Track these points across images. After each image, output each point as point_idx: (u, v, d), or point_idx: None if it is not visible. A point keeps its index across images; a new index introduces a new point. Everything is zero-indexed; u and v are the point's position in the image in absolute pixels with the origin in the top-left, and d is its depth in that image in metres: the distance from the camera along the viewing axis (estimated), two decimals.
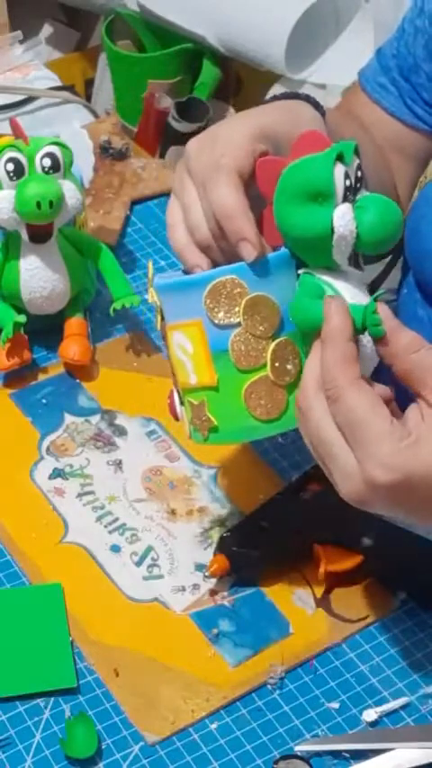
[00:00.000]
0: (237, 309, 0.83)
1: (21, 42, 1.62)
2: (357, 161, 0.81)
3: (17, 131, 1.09)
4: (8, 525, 1.01)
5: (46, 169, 1.08)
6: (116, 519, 1.02)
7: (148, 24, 2.01)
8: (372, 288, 1.24)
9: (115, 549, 1.00)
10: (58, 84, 1.57)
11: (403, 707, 0.91)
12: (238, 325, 0.83)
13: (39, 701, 0.90)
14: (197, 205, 0.87)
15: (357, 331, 0.80)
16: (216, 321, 0.84)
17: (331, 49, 1.93)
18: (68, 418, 1.09)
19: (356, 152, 0.81)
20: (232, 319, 0.83)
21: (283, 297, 0.83)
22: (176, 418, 0.91)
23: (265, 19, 1.86)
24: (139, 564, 0.99)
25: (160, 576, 0.98)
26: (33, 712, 0.90)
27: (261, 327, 0.83)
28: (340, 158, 0.80)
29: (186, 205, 0.88)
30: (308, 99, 0.94)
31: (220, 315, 0.83)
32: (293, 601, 0.97)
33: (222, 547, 0.97)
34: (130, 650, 0.93)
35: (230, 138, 0.87)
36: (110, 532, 1.01)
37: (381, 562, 0.97)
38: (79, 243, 1.14)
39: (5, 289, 1.12)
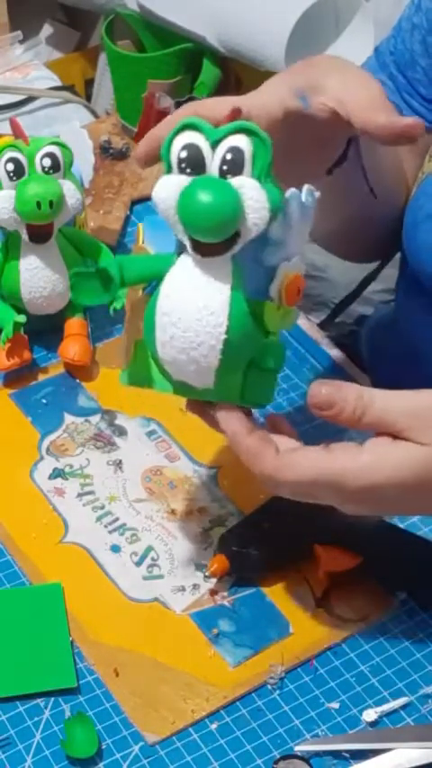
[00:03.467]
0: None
1: (21, 42, 1.62)
2: (236, 143, 0.76)
3: (17, 131, 1.09)
4: (8, 525, 1.01)
5: (46, 169, 1.08)
6: (116, 519, 1.02)
7: (148, 24, 2.01)
8: (363, 284, 1.24)
9: (115, 549, 1.00)
10: (58, 84, 1.57)
11: (403, 707, 0.91)
12: None
13: (39, 700, 0.90)
14: None
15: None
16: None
17: (331, 49, 1.93)
18: (68, 418, 1.09)
19: (245, 132, 0.76)
20: None
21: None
22: None
23: (265, 19, 1.85)
24: (139, 564, 0.99)
25: (160, 576, 0.98)
26: (33, 712, 0.90)
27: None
28: (195, 129, 0.76)
29: None
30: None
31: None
32: (293, 601, 0.97)
33: (222, 547, 0.98)
34: (130, 650, 0.93)
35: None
36: (110, 532, 1.01)
37: (381, 562, 0.97)
38: (79, 243, 1.14)
39: (5, 289, 1.12)
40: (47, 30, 2.25)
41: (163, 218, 0.78)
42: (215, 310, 0.78)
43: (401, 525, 1.00)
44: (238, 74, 2.08)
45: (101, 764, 0.87)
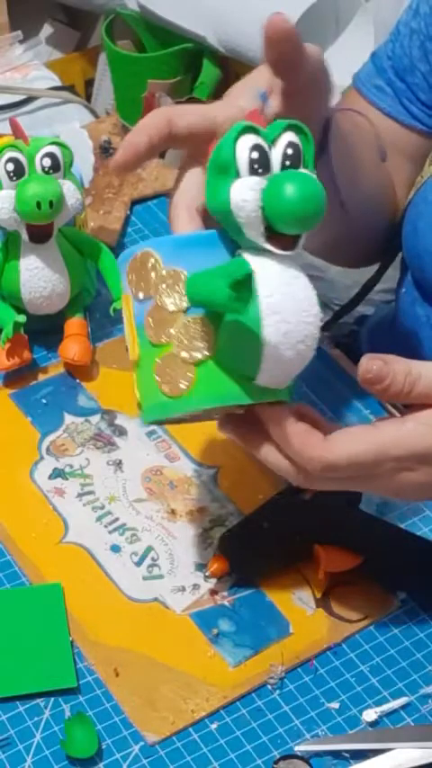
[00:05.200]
0: (149, 283, 0.81)
1: (21, 42, 1.62)
2: (291, 138, 0.78)
3: (17, 131, 1.09)
4: (8, 525, 1.01)
5: (46, 169, 1.07)
6: (116, 519, 1.02)
7: (148, 24, 2.01)
8: (366, 288, 1.24)
9: (115, 549, 1.00)
10: (58, 84, 1.57)
11: (403, 707, 0.91)
12: (152, 298, 0.81)
13: (39, 700, 0.90)
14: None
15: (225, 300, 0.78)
16: (135, 295, 0.82)
17: (331, 49, 1.93)
18: (68, 418, 1.09)
19: (294, 129, 0.78)
20: (146, 292, 0.82)
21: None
22: None
23: (265, 19, 1.86)
24: (139, 564, 0.99)
25: (160, 576, 0.98)
26: (33, 712, 0.90)
27: (172, 301, 0.81)
28: (253, 132, 0.77)
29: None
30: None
31: (135, 289, 0.82)
32: (293, 601, 0.97)
33: (222, 547, 0.98)
34: (130, 650, 0.93)
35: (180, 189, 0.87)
36: (110, 532, 1.01)
37: (381, 562, 0.97)
38: (79, 243, 1.14)
39: (5, 289, 1.12)
40: (47, 30, 2.25)
41: (235, 221, 0.78)
42: (311, 300, 0.79)
43: (401, 525, 1.00)
44: (238, 74, 2.08)
45: (101, 764, 0.88)
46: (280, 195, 0.76)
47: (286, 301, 0.78)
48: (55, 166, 1.08)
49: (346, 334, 1.31)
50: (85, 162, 1.33)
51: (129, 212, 1.31)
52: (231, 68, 2.05)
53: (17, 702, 0.90)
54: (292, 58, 0.84)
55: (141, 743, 0.89)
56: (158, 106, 1.85)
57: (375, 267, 1.22)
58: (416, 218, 1.08)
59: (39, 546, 1.00)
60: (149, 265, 0.82)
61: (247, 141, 0.77)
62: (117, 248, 1.25)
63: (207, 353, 0.81)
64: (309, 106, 0.88)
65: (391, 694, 0.92)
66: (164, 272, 0.81)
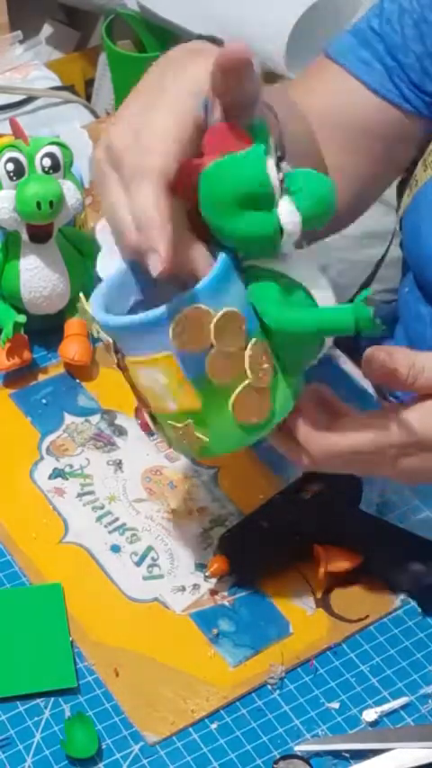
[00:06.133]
0: (206, 335, 0.79)
1: (21, 42, 1.62)
2: (271, 137, 0.77)
3: (17, 131, 1.09)
4: (8, 525, 1.01)
5: (46, 169, 1.08)
6: (116, 519, 1.02)
7: (148, 24, 2.01)
8: (363, 286, 1.24)
9: (115, 549, 1.00)
10: (58, 84, 1.57)
11: (403, 707, 0.91)
12: (211, 347, 0.80)
13: (39, 700, 0.90)
14: (124, 209, 0.79)
15: (351, 331, 0.79)
16: (188, 351, 0.80)
17: None
18: (68, 418, 1.09)
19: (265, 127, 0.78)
20: (205, 345, 0.80)
21: (240, 303, 0.80)
22: (148, 432, 0.89)
23: (265, 19, 1.85)
24: (139, 564, 0.99)
25: (160, 576, 0.98)
26: (33, 712, 0.90)
27: (232, 343, 0.80)
28: (266, 154, 0.76)
29: (112, 205, 0.80)
30: (214, 41, 0.87)
31: (191, 344, 0.79)
32: (293, 601, 0.97)
33: (222, 547, 0.98)
34: (130, 650, 0.93)
35: (155, 133, 0.78)
36: (110, 532, 1.01)
37: (381, 562, 0.97)
38: (79, 243, 1.14)
39: (5, 289, 1.12)
40: (47, 30, 2.25)
41: (276, 242, 0.78)
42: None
43: (401, 525, 1.00)
44: None
45: (101, 764, 0.87)
46: (313, 202, 0.77)
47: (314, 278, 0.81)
48: (55, 166, 1.08)
49: None
50: (85, 162, 1.33)
51: None
52: None
53: (17, 702, 0.90)
54: (243, 88, 0.79)
55: (141, 743, 0.89)
56: None
57: (375, 267, 1.22)
58: (417, 221, 1.08)
59: (39, 546, 1.00)
60: (203, 319, 0.79)
61: (271, 163, 0.75)
62: None
63: (272, 372, 0.83)
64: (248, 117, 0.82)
65: (391, 694, 0.92)
66: (220, 321, 0.79)
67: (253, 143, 0.76)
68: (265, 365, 0.82)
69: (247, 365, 0.81)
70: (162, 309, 0.78)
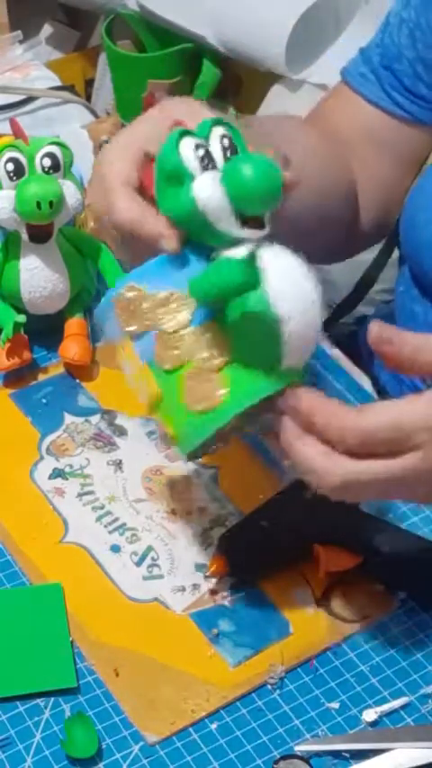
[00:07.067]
0: (143, 315, 0.82)
1: (21, 42, 1.61)
2: (221, 131, 0.81)
3: (17, 131, 1.09)
4: (8, 525, 1.01)
5: (46, 169, 1.08)
6: (116, 519, 1.02)
7: (148, 24, 2.01)
8: (367, 280, 1.24)
9: (115, 549, 1.00)
10: (58, 84, 1.57)
11: (403, 707, 0.91)
12: (152, 328, 0.82)
13: (39, 701, 0.90)
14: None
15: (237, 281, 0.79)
16: (132, 333, 0.83)
17: (331, 49, 1.93)
18: (68, 418, 1.09)
19: (219, 123, 0.81)
20: (143, 324, 0.82)
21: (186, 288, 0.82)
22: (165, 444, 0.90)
23: (265, 19, 1.86)
24: (139, 564, 0.99)
25: (160, 576, 0.98)
26: (33, 712, 0.90)
27: (173, 323, 0.82)
28: (188, 134, 0.80)
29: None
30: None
31: (130, 327, 0.82)
32: (293, 601, 0.97)
33: (222, 547, 0.98)
34: (130, 650, 0.93)
35: (110, 161, 0.88)
36: (110, 532, 1.01)
37: (381, 562, 0.97)
38: (79, 243, 1.14)
39: (5, 289, 1.12)
40: (47, 30, 2.25)
41: (204, 220, 0.79)
42: (304, 272, 0.80)
43: (401, 525, 1.00)
44: (238, 74, 2.08)
45: (101, 764, 0.87)
46: (242, 178, 0.78)
47: (286, 277, 0.79)
48: (55, 166, 1.08)
49: (346, 334, 1.31)
50: (85, 162, 1.32)
51: None
52: (231, 68, 2.05)
53: (17, 702, 0.90)
54: None
55: (141, 743, 0.89)
56: None
57: (370, 266, 1.23)
58: (414, 210, 1.09)
59: (39, 546, 1.00)
60: (137, 298, 0.82)
61: (189, 143, 0.80)
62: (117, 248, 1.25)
63: (226, 357, 0.82)
64: None
65: (391, 694, 0.92)
66: (154, 299, 0.82)
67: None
68: (215, 350, 0.82)
69: (189, 346, 0.82)
70: (110, 292, 0.84)
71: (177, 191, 0.80)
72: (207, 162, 0.80)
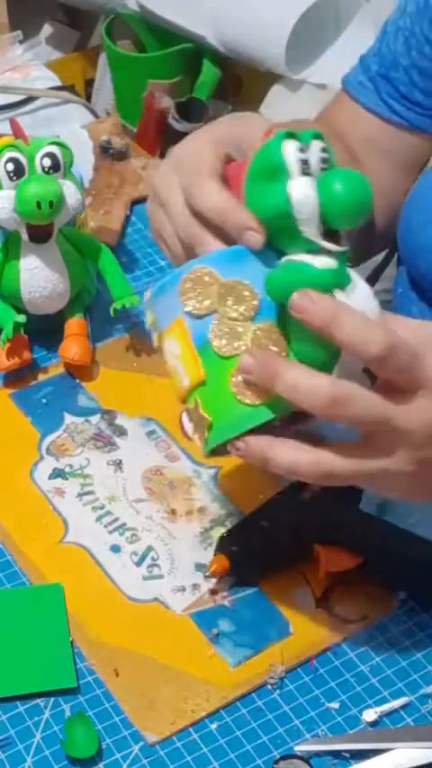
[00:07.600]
0: (210, 296, 0.83)
1: (21, 42, 1.61)
2: (321, 144, 0.82)
3: (17, 131, 1.09)
4: (8, 525, 1.01)
5: (46, 169, 1.08)
6: (116, 519, 1.02)
7: (148, 24, 2.02)
8: (371, 282, 1.24)
9: (115, 549, 1.00)
10: (58, 84, 1.57)
11: (403, 707, 0.91)
12: (215, 311, 0.83)
13: (39, 701, 0.90)
14: (170, 229, 0.90)
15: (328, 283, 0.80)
16: (192, 312, 0.83)
17: (331, 49, 1.93)
18: (68, 418, 1.09)
19: (319, 137, 0.82)
20: (208, 305, 0.83)
21: (260, 283, 0.83)
22: (187, 436, 0.90)
23: (265, 19, 1.86)
24: (139, 564, 0.99)
25: (160, 576, 0.98)
26: (33, 712, 0.90)
27: (237, 310, 0.83)
28: (292, 137, 0.81)
29: (166, 237, 0.92)
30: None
31: (195, 304, 0.83)
32: (293, 601, 0.97)
33: (222, 547, 0.98)
34: (130, 650, 0.93)
35: (196, 152, 0.89)
36: (110, 532, 1.01)
37: (381, 562, 0.97)
38: (79, 243, 1.14)
39: (5, 289, 1.12)
40: (47, 30, 2.25)
41: (292, 221, 0.80)
42: (365, 285, 0.82)
43: (401, 525, 1.00)
44: (238, 74, 2.08)
45: (101, 764, 0.88)
46: (338, 191, 0.79)
47: (365, 293, 0.81)
48: (55, 166, 1.08)
49: None
50: (85, 162, 1.33)
51: (129, 212, 1.31)
52: (231, 68, 2.05)
53: (17, 702, 0.90)
54: None
55: (141, 743, 0.89)
56: (158, 106, 1.86)
57: (374, 266, 1.23)
58: (411, 213, 1.09)
59: (39, 546, 1.00)
60: (207, 280, 0.83)
61: (292, 145, 0.80)
62: (117, 248, 1.25)
63: (284, 354, 0.82)
64: None
65: (391, 694, 0.92)
66: (225, 284, 0.83)
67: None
68: (274, 348, 0.82)
69: (249, 339, 0.82)
70: (178, 270, 0.84)
71: (270, 187, 0.81)
72: (307, 167, 0.81)
